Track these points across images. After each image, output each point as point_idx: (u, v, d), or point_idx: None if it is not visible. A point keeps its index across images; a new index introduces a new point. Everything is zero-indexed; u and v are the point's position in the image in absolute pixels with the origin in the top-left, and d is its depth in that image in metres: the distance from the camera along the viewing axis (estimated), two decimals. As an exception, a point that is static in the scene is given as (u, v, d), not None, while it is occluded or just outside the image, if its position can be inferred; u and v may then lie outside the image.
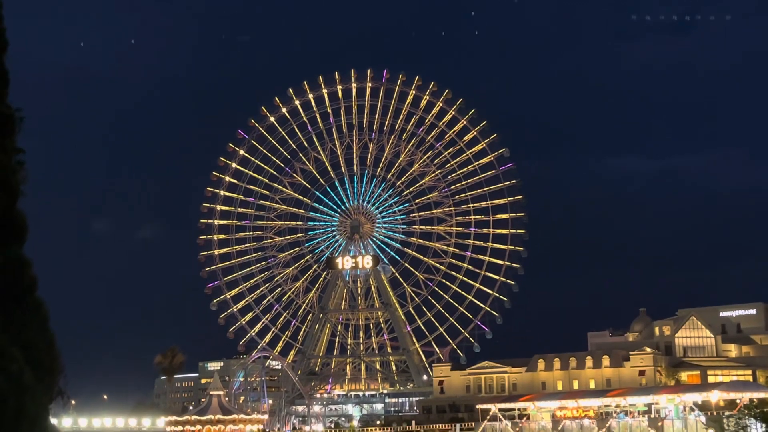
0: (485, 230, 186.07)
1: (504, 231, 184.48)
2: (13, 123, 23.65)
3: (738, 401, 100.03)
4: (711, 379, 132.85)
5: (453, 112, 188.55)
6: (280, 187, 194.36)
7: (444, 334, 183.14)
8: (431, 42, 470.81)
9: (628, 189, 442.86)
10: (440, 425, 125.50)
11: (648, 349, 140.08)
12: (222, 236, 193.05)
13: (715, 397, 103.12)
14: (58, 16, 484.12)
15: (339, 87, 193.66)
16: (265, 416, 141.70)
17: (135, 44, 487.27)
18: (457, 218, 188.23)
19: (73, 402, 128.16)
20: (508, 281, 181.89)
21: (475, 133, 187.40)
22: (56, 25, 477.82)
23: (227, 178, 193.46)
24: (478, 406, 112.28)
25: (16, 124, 23.83)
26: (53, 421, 25.27)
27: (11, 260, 22.23)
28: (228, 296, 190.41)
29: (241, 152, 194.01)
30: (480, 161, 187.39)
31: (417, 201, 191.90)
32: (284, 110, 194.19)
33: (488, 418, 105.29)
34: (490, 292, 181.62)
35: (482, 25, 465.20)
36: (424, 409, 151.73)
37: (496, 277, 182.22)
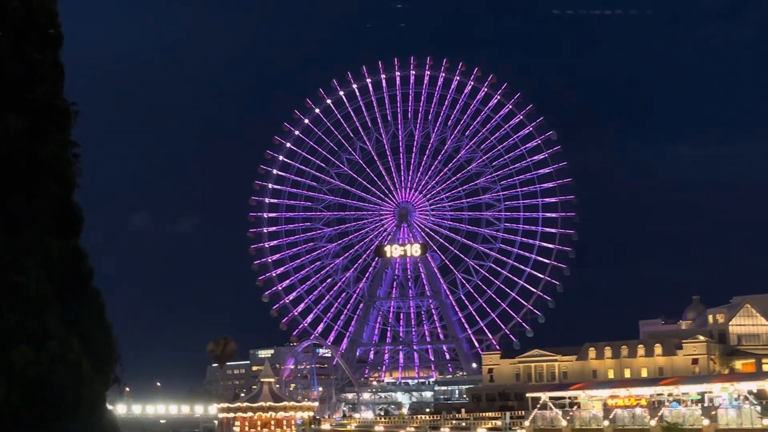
0: (534, 214, 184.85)
1: (554, 215, 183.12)
2: (68, 116, 23.99)
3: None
4: (766, 368, 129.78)
5: (498, 97, 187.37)
6: (327, 177, 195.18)
7: (496, 319, 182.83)
8: (478, 28, 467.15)
9: (681, 176, 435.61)
10: (490, 413, 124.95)
11: (701, 338, 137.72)
12: (272, 228, 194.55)
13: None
14: (103, 11, 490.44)
15: (382, 76, 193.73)
16: (316, 404, 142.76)
17: (181, 39, 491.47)
18: (506, 203, 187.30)
19: (127, 389, 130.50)
20: (560, 265, 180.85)
21: (521, 117, 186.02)
22: (99, 19, 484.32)
23: (275, 171, 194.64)
24: (528, 395, 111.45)
25: (72, 117, 24.18)
26: (109, 407, 25.75)
27: (69, 251, 22.59)
28: (279, 287, 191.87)
29: (288, 144, 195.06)
30: (527, 145, 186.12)
31: (464, 187, 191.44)
32: (329, 101, 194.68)
33: (538, 406, 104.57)
34: (541, 276, 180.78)
35: (528, 11, 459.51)
36: (474, 397, 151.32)
37: (547, 261, 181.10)
